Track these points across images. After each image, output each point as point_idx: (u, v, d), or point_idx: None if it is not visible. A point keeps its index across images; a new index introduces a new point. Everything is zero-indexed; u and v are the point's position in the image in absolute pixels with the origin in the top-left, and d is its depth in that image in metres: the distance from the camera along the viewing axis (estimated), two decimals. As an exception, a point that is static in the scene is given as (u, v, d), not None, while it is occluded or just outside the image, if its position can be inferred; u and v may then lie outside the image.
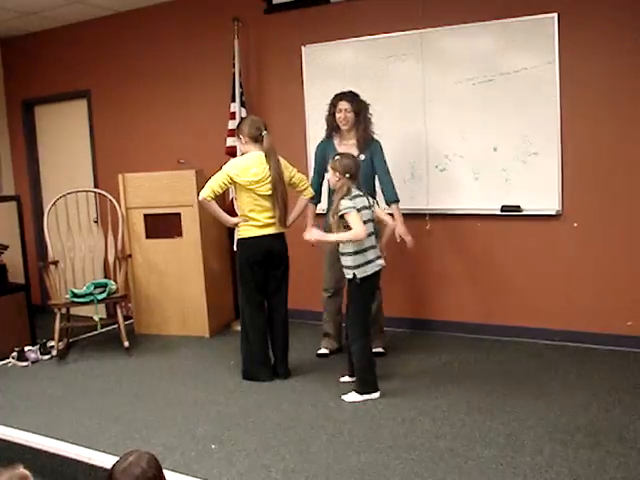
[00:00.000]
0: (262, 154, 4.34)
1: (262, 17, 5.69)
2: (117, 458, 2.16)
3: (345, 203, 3.94)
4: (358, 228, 3.90)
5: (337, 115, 4.64)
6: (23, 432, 3.77)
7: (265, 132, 4.36)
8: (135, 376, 4.75)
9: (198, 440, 3.58)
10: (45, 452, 3.56)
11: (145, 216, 5.75)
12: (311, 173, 4.94)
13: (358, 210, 3.94)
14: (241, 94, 5.63)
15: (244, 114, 5.57)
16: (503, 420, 3.61)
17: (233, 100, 5.64)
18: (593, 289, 4.77)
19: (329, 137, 4.76)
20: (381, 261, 4.09)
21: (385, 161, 4.64)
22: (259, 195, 4.32)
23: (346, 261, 4.02)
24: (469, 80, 4.93)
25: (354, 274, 3.98)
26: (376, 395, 4.04)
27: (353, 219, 3.91)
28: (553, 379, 4.21)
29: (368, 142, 4.61)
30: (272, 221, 4.37)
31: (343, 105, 4.62)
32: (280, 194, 4.33)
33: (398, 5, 5.13)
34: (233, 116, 5.61)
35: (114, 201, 5.68)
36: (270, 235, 4.38)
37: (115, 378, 4.72)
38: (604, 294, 4.73)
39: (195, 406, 4.08)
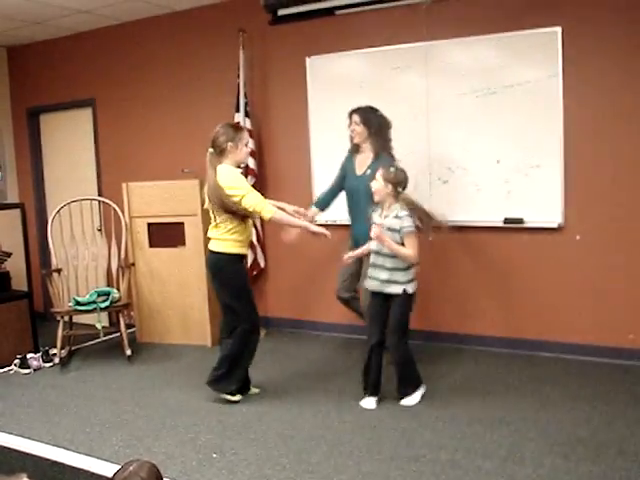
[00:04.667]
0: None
1: (267, 28, 5.71)
2: (118, 466, 2.16)
3: (409, 222, 4.00)
4: (415, 252, 4.01)
5: (350, 128, 4.76)
6: (24, 439, 3.78)
7: (209, 149, 4.14)
8: (137, 384, 4.75)
9: (199, 449, 3.58)
10: (46, 460, 3.55)
11: (148, 225, 5.77)
12: (315, 184, 4.98)
13: None
14: (245, 104, 5.66)
15: (248, 124, 5.60)
16: (504, 432, 3.61)
17: (237, 110, 5.67)
18: (594, 302, 4.77)
19: (352, 151, 4.85)
20: None
21: None
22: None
23: (395, 276, 4.04)
24: (473, 92, 4.95)
25: (404, 289, 4.03)
26: (423, 389, 4.19)
27: (413, 241, 4.01)
28: (554, 391, 4.20)
29: (380, 158, 4.62)
30: None
31: (354, 118, 4.73)
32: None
33: (403, 17, 5.16)
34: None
35: (118, 210, 5.70)
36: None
37: (117, 386, 4.73)
38: (605, 307, 4.73)
39: (196, 415, 4.08)
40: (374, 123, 4.70)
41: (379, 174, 4.09)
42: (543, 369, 4.65)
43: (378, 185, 4.07)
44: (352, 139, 4.78)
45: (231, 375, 4.23)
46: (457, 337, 5.23)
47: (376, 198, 4.13)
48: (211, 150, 4.11)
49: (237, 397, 4.27)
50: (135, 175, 6.14)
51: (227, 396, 4.24)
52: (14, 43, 7.07)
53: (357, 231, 4.66)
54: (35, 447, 3.67)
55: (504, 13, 4.82)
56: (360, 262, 4.65)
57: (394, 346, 4.12)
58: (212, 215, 4.17)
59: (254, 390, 4.42)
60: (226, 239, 4.11)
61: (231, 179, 4.05)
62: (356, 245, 4.52)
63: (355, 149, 4.81)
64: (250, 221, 4.24)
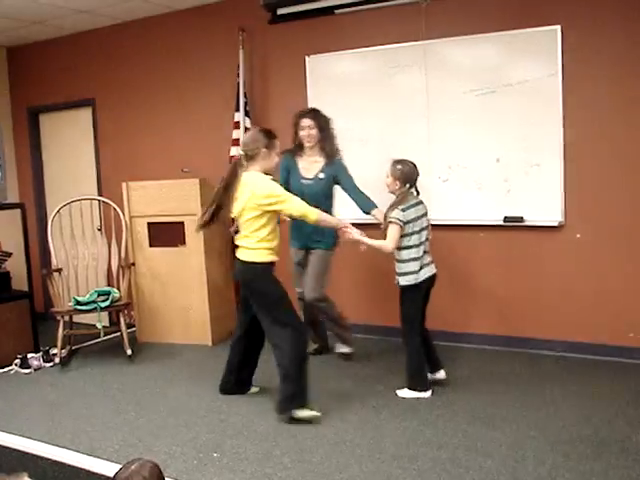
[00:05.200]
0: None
1: (267, 27, 5.72)
2: (119, 466, 2.17)
3: (395, 214, 4.09)
4: (390, 242, 4.09)
5: (301, 133, 4.67)
6: (25, 439, 3.78)
7: (240, 152, 4.11)
8: (137, 384, 4.75)
9: (200, 448, 3.58)
10: (47, 459, 3.55)
11: (149, 224, 5.77)
12: None
13: (409, 221, 4.11)
14: (245, 104, 5.67)
15: (248, 124, 5.61)
16: (505, 430, 3.61)
17: (237, 110, 5.67)
18: (595, 300, 4.77)
19: (292, 153, 4.76)
20: (433, 267, 4.32)
21: (351, 176, 4.70)
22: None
23: (403, 268, 4.19)
24: (472, 91, 4.95)
25: (397, 281, 4.22)
26: (427, 394, 4.19)
27: (392, 232, 4.09)
28: (555, 390, 4.20)
29: (332, 160, 4.67)
30: None
31: (306, 122, 4.65)
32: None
33: (402, 16, 5.16)
34: (237, 125, 5.64)
35: (118, 209, 5.70)
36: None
37: (117, 386, 4.73)
38: (606, 305, 4.73)
39: (197, 414, 4.08)
40: (325, 126, 4.68)
41: (389, 171, 4.20)
42: (544, 367, 4.65)
43: (389, 181, 4.21)
44: (300, 141, 4.70)
45: (300, 388, 3.94)
46: (457, 335, 5.23)
47: (388, 190, 4.26)
48: (242, 153, 4.00)
49: (309, 412, 3.92)
50: (135, 174, 6.14)
51: (304, 412, 3.89)
52: (14, 43, 7.07)
53: (308, 230, 4.60)
54: (36, 446, 3.67)
55: (503, 11, 4.82)
56: (305, 263, 4.81)
57: (403, 337, 4.30)
58: (241, 224, 4.01)
59: (254, 389, 4.42)
60: (259, 248, 3.96)
61: (269, 187, 3.92)
62: (303, 246, 4.79)
63: (296, 152, 4.75)
64: (277, 227, 4.09)
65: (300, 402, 3.91)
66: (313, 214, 4.00)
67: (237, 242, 4.09)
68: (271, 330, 4.02)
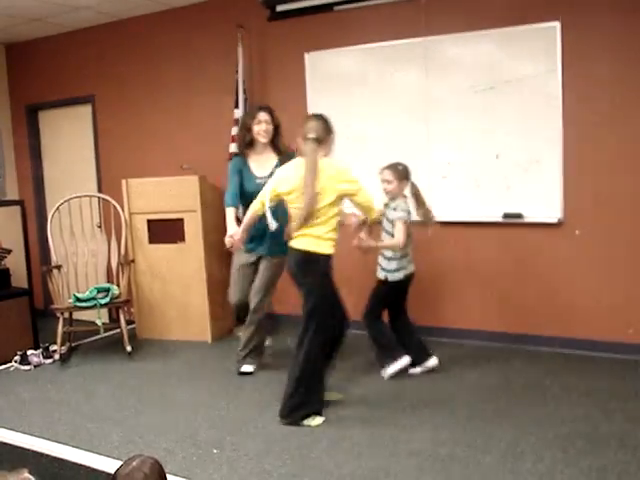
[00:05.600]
0: (302, 161, 3.84)
1: (265, 24, 5.72)
2: (119, 462, 2.18)
3: (402, 209, 4.31)
4: (399, 238, 4.25)
5: (256, 128, 4.48)
6: (25, 436, 3.79)
7: (312, 135, 3.81)
8: (137, 380, 4.76)
9: (200, 445, 3.59)
10: (47, 456, 3.57)
11: (148, 221, 5.77)
12: None
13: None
14: (245, 100, 5.66)
15: (247, 120, 5.61)
16: (504, 427, 3.62)
17: (236, 106, 5.67)
18: (594, 296, 4.78)
19: (241, 154, 4.62)
20: (413, 264, 4.48)
21: None
22: (293, 207, 3.84)
23: (381, 261, 4.37)
24: (472, 88, 4.95)
25: (386, 277, 4.39)
26: (406, 358, 4.43)
27: (399, 228, 4.28)
28: (554, 386, 4.21)
29: (288, 156, 4.30)
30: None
31: (264, 117, 4.47)
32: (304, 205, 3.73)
33: (401, 13, 5.15)
34: (236, 122, 5.63)
35: (117, 206, 5.70)
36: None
37: (117, 382, 4.73)
38: (605, 301, 4.74)
39: (197, 411, 4.09)
40: (278, 123, 4.58)
41: (391, 176, 4.27)
42: (542, 364, 4.66)
43: (393, 186, 4.30)
44: (248, 140, 4.52)
45: (311, 393, 3.81)
46: (456, 332, 5.23)
47: (389, 197, 4.35)
48: (313, 137, 3.79)
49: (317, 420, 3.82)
50: (135, 171, 6.14)
51: (313, 420, 3.79)
52: (13, 40, 7.06)
53: (275, 234, 4.19)
54: (36, 443, 3.68)
55: (503, 8, 4.81)
56: (255, 268, 4.68)
57: (367, 327, 4.51)
58: (315, 211, 3.73)
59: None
60: (328, 239, 3.77)
61: (348, 172, 3.83)
62: (260, 251, 4.63)
63: (245, 152, 4.57)
64: None
65: (309, 410, 3.79)
66: (375, 211, 4.06)
67: (301, 230, 3.77)
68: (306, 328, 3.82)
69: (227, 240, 4.30)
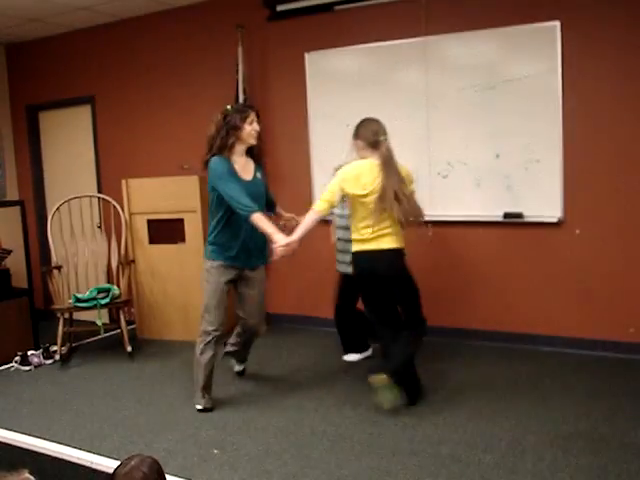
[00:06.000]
0: (375, 163, 3.88)
1: (265, 24, 5.71)
2: (119, 462, 2.17)
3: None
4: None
5: (248, 128, 4.02)
6: (25, 436, 3.79)
7: (383, 138, 3.91)
8: (137, 380, 4.76)
9: (200, 445, 3.59)
10: (47, 456, 3.57)
11: (148, 221, 5.77)
12: (314, 180, 4.92)
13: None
14: (245, 100, 5.66)
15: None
16: (504, 426, 3.62)
17: (236, 106, 5.66)
18: (595, 296, 4.77)
19: (225, 154, 4.03)
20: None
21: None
22: (368, 208, 3.87)
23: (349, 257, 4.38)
24: (472, 87, 4.95)
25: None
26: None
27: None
28: (554, 385, 4.21)
29: (259, 160, 4.23)
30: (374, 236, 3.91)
31: (253, 117, 4.07)
32: (398, 208, 3.81)
33: (402, 12, 5.15)
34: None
35: (117, 206, 5.70)
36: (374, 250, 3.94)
37: (117, 382, 4.73)
38: (605, 301, 4.74)
39: (197, 411, 4.08)
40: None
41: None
42: (543, 363, 4.65)
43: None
44: (239, 138, 4.02)
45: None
46: (456, 332, 5.23)
47: None
48: (383, 139, 3.91)
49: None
50: (135, 171, 6.14)
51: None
52: (13, 40, 7.05)
53: (259, 241, 4.11)
54: (36, 443, 3.68)
55: (503, 7, 4.81)
56: (233, 286, 4.24)
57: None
58: (379, 209, 3.84)
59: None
60: (402, 235, 4.00)
61: (411, 173, 4.04)
62: (244, 263, 4.15)
63: (226, 154, 4.02)
64: None
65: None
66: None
67: (384, 230, 3.88)
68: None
69: (281, 250, 3.79)
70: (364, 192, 3.86)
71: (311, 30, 5.55)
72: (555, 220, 4.80)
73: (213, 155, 4.02)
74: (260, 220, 3.86)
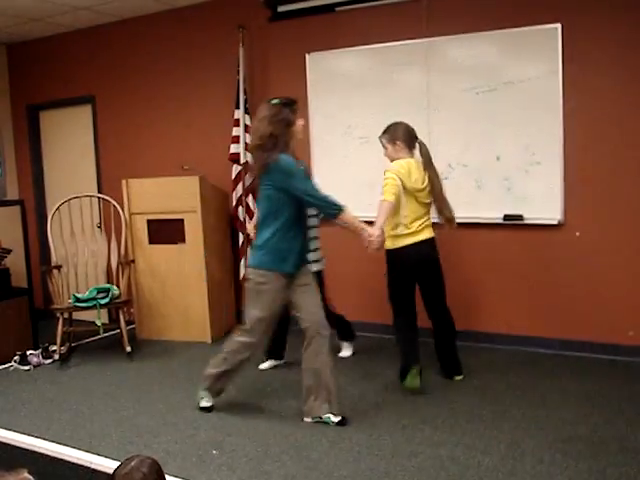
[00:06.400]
0: (419, 161, 4.25)
1: (267, 25, 5.72)
2: (118, 462, 2.17)
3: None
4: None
5: (298, 123, 3.78)
6: (24, 436, 3.78)
7: (419, 139, 4.31)
8: (136, 381, 4.76)
9: (199, 445, 3.59)
10: (46, 456, 3.57)
11: (148, 222, 5.77)
12: (315, 180, 4.88)
13: None
14: (245, 101, 5.66)
15: (248, 121, 5.60)
16: (504, 429, 3.61)
17: (237, 107, 5.67)
18: (594, 298, 4.77)
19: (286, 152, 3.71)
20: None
21: None
22: (419, 203, 4.23)
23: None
24: (473, 89, 4.95)
25: None
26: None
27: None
28: (553, 388, 4.21)
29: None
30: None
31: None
32: (446, 203, 4.33)
33: (403, 14, 5.15)
34: (237, 123, 5.64)
35: (117, 206, 5.70)
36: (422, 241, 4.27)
37: (117, 383, 4.73)
38: (605, 303, 4.74)
39: (196, 411, 4.08)
40: None
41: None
42: (542, 366, 4.65)
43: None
44: (293, 136, 3.75)
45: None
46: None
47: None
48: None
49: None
50: (135, 172, 6.14)
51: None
52: (14, 40, 7.06)
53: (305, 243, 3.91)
54: (35, 443, 3.68)
55: (504, 9, 4.82)
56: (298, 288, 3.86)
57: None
58: (426, 203, 4.28)
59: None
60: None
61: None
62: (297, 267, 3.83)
63: (289, 150, 3.73)
64: None
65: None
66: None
67: (427, 222, 4.30)
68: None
69: (377, 242, 3.86)
70: (422, 186, 4.19)
71: (312, 31, 5.55)
72: (555, 222, 4.80)
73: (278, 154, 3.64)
74: (349, 216, 3.74)
